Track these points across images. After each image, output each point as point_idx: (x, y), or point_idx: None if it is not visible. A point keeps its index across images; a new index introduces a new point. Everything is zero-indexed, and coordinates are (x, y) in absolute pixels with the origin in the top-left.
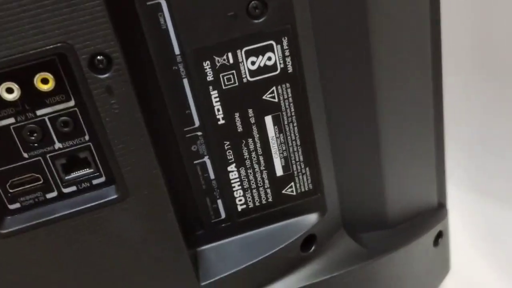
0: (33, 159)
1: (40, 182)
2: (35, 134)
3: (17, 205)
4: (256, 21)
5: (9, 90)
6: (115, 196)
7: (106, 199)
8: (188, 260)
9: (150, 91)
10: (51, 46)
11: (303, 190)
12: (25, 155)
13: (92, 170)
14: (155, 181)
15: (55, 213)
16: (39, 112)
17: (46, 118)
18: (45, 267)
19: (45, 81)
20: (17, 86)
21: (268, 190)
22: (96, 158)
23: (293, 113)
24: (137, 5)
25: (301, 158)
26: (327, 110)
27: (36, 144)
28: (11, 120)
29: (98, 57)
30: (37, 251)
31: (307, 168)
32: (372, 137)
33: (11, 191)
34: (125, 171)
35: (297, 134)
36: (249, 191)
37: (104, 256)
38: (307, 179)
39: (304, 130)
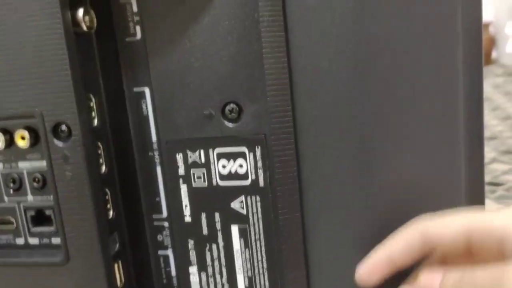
0: (10, 204)
1: (14, 226)
2: (15, 183)
3: None
4: (230, 124)
5: None
6: (58, 259)
7: (51, 260)
8: None
9: (128, 169)
10: (23, 110)
11: None
12: (6, 198)
13: (53, 228)
14: (94, 254)
15: (18, 257)
16: (20, 165)
17: (24, 171)
18: None
19: (23, 138)
20: (2, 138)
21: None
22: (58, 218)
23: (261, 231)
24: (126, 90)
25: (267, 285)
26: (308, 233)
27: (14, 192)
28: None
29: (62, 126)
30: None
31: None
32: None
33: None
34: (68, 237)
35: (263, 256)
36: None
37: None
38: None
39: (273, 253)
